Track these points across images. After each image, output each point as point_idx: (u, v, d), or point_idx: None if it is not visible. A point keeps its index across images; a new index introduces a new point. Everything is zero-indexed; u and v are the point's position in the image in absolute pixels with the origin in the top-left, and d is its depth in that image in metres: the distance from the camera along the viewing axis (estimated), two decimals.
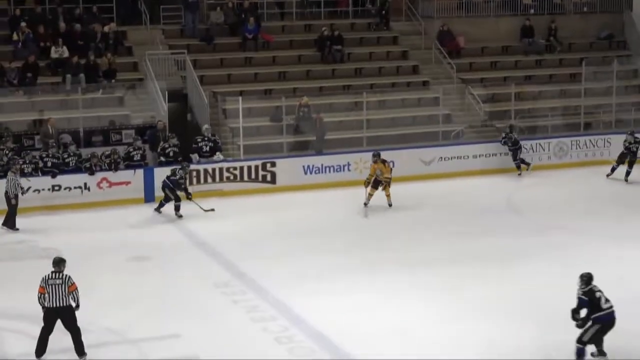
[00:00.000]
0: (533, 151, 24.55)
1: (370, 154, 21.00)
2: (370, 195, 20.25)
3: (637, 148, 22.85)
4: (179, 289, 15.23)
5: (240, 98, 23.19)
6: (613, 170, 23.01)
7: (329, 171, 22.76)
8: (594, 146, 25.25)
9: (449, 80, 26.56)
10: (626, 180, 22.71)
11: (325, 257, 16.83)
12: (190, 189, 20.16)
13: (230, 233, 18.64)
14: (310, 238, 18.21)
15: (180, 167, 20.13)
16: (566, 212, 20.18)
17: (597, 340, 11.83)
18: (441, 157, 23.54)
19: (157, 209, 20.02)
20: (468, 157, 23.93)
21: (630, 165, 22.79)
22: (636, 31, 29.08)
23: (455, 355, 12.50)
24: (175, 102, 23.77)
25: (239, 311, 14.23)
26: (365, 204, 20.20)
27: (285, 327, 13.49)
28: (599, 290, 11.80)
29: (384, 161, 20.49)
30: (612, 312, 11.78)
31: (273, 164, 22.36)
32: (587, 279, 11.87)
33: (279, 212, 20.38)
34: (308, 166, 22.65)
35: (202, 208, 19.63)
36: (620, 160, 22.92)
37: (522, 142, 23.85)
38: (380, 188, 20.31)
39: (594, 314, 11.76)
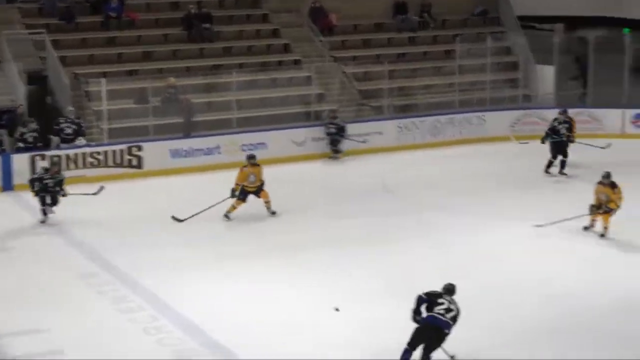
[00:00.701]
0: (408, 130, 25.04)
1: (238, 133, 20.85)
2: (234, 208, 18.44)
3: (565, 129, 22.08)
4: (41, 281, 15.05)
5: (103, 79, 22.90)
6: (550, 164, 22.08)
7: (198, 154, 22.74)
8: (469, 124, 25.89)
9: (322, 58, 26.77)
10: (561, 172, 21.92)
11: (195, 245, 16.86)
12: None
13: (96, 221, 18.39)
14: (180, 225, 18.17)
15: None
16: (442, 191, 20.68)
17: (413, 342, 11.43)
18: (313, 138, 23.75)
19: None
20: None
21: (563, 152, 21.91)
22: (510, 7, 29.78)
23: (336, 337, 12.79)
24: (34, 84, 23.30)
25: (105, 302, 14.15)
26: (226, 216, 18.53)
27: (154, 317, 13.50)
28: (448, 301, 11.52)
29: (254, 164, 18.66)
30: (438, 319, 11.38)
31: (139, 148, 22.19)
32: (445, 289, 11.74)
33: (146, 198, 20.27)
34: (176, 150, 22.56)
35: (88, 193, 18.77)
36: (555, 152, 21.96)
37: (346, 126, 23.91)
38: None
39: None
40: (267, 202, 18.62)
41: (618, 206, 16.91)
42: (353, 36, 28.40)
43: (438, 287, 12.21)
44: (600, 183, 17.19)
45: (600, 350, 12.50)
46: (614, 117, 26.10)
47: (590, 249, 16.77)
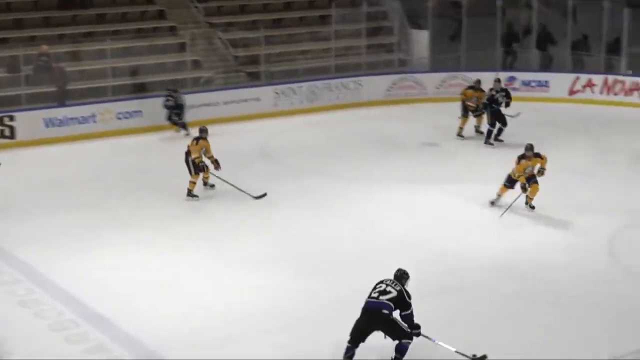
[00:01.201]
0: (285, 96, 25.24)
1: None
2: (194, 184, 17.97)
3: (502, 97, 21.92)
4: None
5: None
6: (490, 134, 21.80)
7: (73, 123, 22.46)
8: (345, 89, 26.22)
9: (197, 25, 26.68)
10: (496, 138, 21.78)
11: (72, 215, 16.73)
12: None
13: None
14: (56, 195, 18.01)
15: None
16: (321, 156, 20.97)
17: (352, 334, 11.20)
18: (190, 105, 23.66)
19: None
20: (219, 103, 24.29)
21: (502, 121, 21.75)
22: None
23: (222, 305, 13.00)
24: None
25: None
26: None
27: (31, 289, 13.41)
28: (386, 284, 11.28)
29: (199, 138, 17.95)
30: (369, 302, 11.15)
31: (11, 118, 21.79)
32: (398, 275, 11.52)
33: (20, 169, 19.91)
34: (50, 119, 22.23)
35: None
36: (494, 120, 21.74)
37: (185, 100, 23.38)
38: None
39: None
40: (207, 177, 18.33)
41: (546, 160, 16.82)
42: (228, 2, 28.31)
43: (315, 250, 12.53)
44: (524, 157, 16.74)
45: (481, 308, 12.99)
46: (487, 81, 26.71)
47: (466, 210, 17.24)
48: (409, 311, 11.15)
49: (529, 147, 16.84)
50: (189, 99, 23.60)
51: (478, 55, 27.86)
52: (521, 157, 16.83)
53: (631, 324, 12.46)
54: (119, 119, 22.24)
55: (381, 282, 11.33)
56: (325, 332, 12.00)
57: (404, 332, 11.06)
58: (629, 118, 24.36)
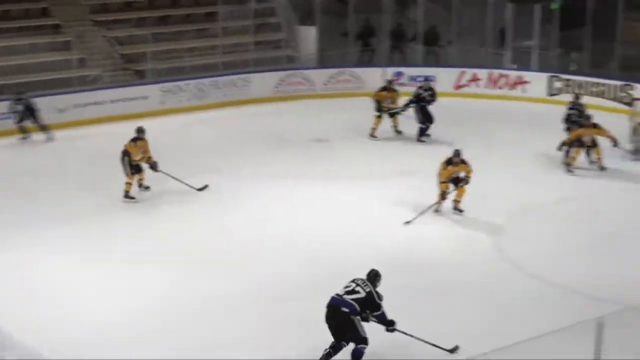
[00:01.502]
0: (173, 94, 25.09)
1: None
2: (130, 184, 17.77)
3: (429, 95, 21.98)
4: None
5: None
6: (421, 131, 21.88)
7: None
8: (233, 86, 26.20)
9: (82, 22, 26.30)
10: (420, 138, 21.90)
11: None
12: None
13: None
14: None
15: None
16: (210, 154, 20.95)
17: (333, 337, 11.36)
18: (76, 104, 23.38)
19: None
20: (106, 102, 24.02)
21: (428, 118, 21.88)
22: None
23: (129, 305, 13.01)
24: None
25: None
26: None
27: None
28: (356, 284, 11.36)
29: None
30: (333, 298, 11.28)
31: None
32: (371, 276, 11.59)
33: None
34: None
35: None
36: (423, 118, 21.87)
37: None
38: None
39: None
40: (142, 179, 18.05)
41: (471, 171, 16.62)
42: None
43: (204, 246, 12.56)
44: (451, 163, 16.58)
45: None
46: (374, 76, 27.08)
47: (355, 205, 17.47)
48: (380, 312, 11.30)
49: (457, 153, 16.59)
50: (75, 98, 23.30)
51: (366, 51, 28.24)
52: (448, 163, 16.60)
53: (517, 315, 12.79)
54: (1, 119, 21.86)
55: (353, 280, 11.41)
56: (210, 329, 12.15)
57: (361, 337, 11.13)
58: (513, 111, 24.93)
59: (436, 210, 16.73)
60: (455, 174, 16.58)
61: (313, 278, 13.88)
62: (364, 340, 11.14)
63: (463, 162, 16.58)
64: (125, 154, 17.61)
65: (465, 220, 16.54)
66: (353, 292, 11.23)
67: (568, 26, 26.88)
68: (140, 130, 17.94)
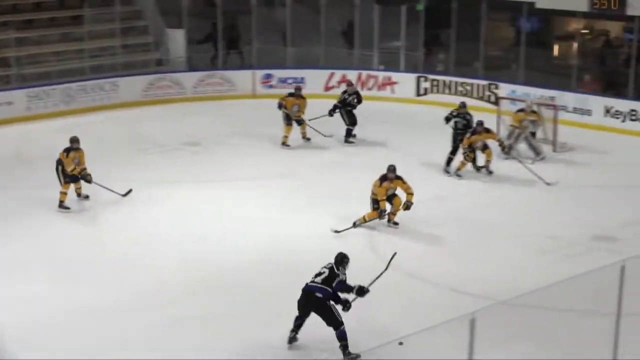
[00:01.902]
0: (39, 99, 24.61)
1: None
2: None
3: (355, 100, 22.15)
4: None
5: None
6: (349, 133, 22.13)
7: None
8: (101, 90, 25.86)
9: None
10: (348, 139, 22.10)
11: None
12: None
13: None
14: None
15: None
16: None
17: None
18: None
19: None
20: None
21: (353, 121, 22.14)
22: None
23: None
24: None
25: None
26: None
27: None
28: (328, 269, 11.92)
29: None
30: (308, 285, 11.88)
31: None
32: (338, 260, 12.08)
33: None
34: None
35: None
36: (351, 121, 22.11)
37: None
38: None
39: None
40: (79, 188, 17.74)
41: (413, 194, 16.21)
42: None
43: (78, 254, 12.49)
44: (386, 179, 16.23)
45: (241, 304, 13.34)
46: (244, 78, 27.15)
47: (226, 207, 17.55)
48: (339, 279, 11.80)
49: (392, 169, 16.24)
50: None
51: (234, 54, 28.21)
52: (382, 179, 16.24)
53: (393, 312, 13.02)
54: None
55: (325, 267, 12.02)
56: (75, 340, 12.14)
57: (338, 321, 11.70)
58: (383, 111, 25.30)
59: (358, 225, 16.31)
60: (390, 190, 16.29)
61: (186, 282, 13.95)
62: (341, 323, 11.70)
63: (398, 177, 16.24)
64: (59, 163, 17.31)
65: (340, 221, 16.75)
66: (319, 273, 11.89)
67: (433, 27, 27.45)
68: (73, 141, 17.50)
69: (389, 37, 27.93)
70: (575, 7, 24.10)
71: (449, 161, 19.66)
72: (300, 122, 22.01)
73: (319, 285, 11.75)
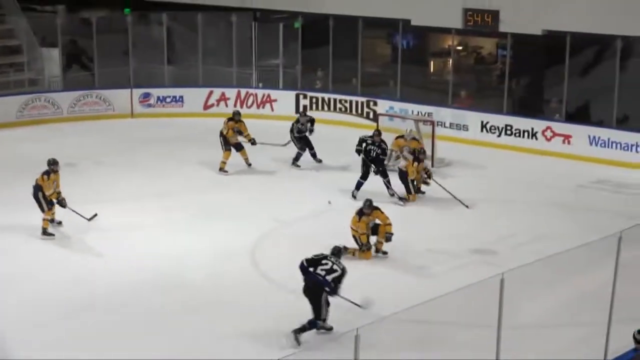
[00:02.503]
0: None
1: None
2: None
3: (311, 125, 21.89)
4: None
5: None
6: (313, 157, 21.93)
7: None
8: None
9: None
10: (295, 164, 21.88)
11: None
12: None
13: None
14: None
15: None
16: None
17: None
18: None
19: None
20: None
21: (307, 146, 21.88)
22: None
23: None
24: None
25: None
26: None
27: None
28: (332, 262, 12.94)
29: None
30: (317, 277, 12.78)
31: None
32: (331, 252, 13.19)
33: None
34: None
35: None
36: (303, 146, 21.85)
37: None
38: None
39: None
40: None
41: (391, 224, 15.94)
42: None
43: None
44: (363, 214, 15.87)
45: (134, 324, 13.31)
46: (122, 98, 26.82)
47: (115, 230, 17.32)
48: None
49: (368, 204, 15.92)
50: None
51: (110, 73, 27.78)
52: (360, 214, 15.91)
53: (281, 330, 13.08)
54: None
55: (325, 258, 12.92)
56: None
57: (322, 315, 12.76)
58: (263, 129, 25.31)
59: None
60: (371, 222, 15.97)
61: (89, 297, 14.07)
62: (323, 319, 12.79)
63: (376, 208, 15.97)
64: (38, 188, 16.65)
65: (223, 239, 16.80)
66: (332, 270, 12.77)
67: (311, 44, 27.64)
68: (52, 163, 16.91)
69: (267, 54, 28.00)
70: (450, 24, 24.62)
71: (358, 185, 19.44)
72: (240, 148, 21.44)
73: (328, 281, 12.73)
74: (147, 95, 27.00)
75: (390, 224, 15.92)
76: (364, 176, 19.52)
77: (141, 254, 16.10)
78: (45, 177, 16.73)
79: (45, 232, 16.80)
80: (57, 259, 15.88)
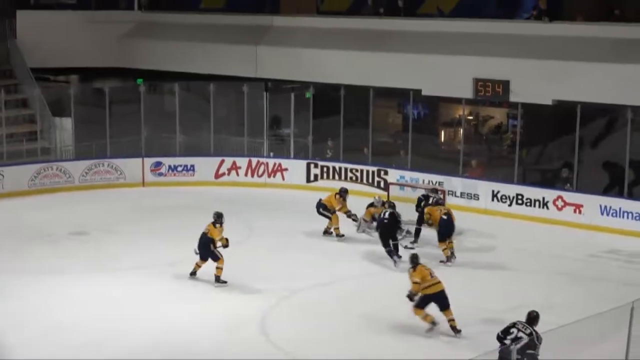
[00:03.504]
0: None
1: None
2: None
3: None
4: None
5: None
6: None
7: None
8: None
9: None
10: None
11: None
12: None
13: None
14: None
15: None
16: None
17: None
18: None
19: None
20: None
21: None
22: (22, 59, 29.53)
23: None
24: None
25: None
26: None
27: None
28: (518, 329, 12.49)
29: None
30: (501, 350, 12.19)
31: None
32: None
33: None
34: None
35: None
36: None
37: None
38: None
39: None
40: None
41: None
42: None
43: None
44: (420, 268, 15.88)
45: None
46: (134, 167, 26.93)
47: (116, 297, 17.28)
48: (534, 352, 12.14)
49: (415, 258, 16.00)
50: None
51: (122, 142, 27.95)
52: (415, 268, 15.83)
53: None
54: None
55: (514, 325, 12.51)
56: None
57: None
58: (273, 198, 25.42)
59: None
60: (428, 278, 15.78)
61: None
62: None
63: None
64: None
65: (234, 305, 16.79)
66: (517, 339, 12.20)
67: (322, 114, 27.79)
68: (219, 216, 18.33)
69: (278, 124, 28.16)
70: (460, 94, 24.76)
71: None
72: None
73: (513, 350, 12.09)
74: (158, 164, 27.12)
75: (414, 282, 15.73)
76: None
77: (149, 324, 16.04)
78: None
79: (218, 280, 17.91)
80: (66, 325, 15.79)
